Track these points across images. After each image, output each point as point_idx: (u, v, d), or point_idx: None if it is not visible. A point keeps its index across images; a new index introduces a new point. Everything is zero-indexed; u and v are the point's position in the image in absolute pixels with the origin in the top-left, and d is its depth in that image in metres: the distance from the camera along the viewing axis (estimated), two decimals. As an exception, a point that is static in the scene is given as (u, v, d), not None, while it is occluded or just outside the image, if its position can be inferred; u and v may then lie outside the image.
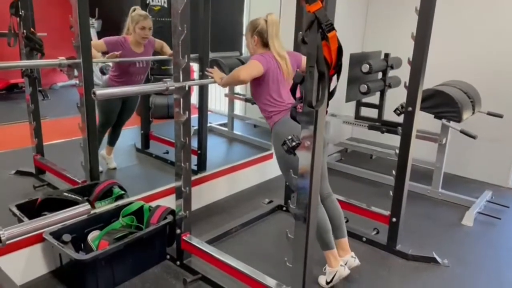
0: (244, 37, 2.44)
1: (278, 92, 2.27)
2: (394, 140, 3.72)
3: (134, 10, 3.28)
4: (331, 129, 4.08)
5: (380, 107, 3.59)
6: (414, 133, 2.42)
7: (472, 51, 3.84)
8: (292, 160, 1.78)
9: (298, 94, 1.68)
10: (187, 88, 2.08)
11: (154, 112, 4.23)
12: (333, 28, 1.48)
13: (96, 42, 3.20)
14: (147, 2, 3.82)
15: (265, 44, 2.29)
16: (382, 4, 4.41)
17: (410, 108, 2.38)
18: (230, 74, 2.25)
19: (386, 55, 3.52)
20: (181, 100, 2.09)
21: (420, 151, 3.23)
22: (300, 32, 1.56)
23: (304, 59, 2.40)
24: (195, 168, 3.30)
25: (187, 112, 2.11)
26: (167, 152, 4.04)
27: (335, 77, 1.55)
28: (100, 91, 1.70)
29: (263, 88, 2.27)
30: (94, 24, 6.70)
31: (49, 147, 3.61)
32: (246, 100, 4.68)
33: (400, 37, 4.18)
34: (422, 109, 2.92)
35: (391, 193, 2.56)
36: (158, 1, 5.29)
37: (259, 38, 2.29)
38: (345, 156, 4.41)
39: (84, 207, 1.78)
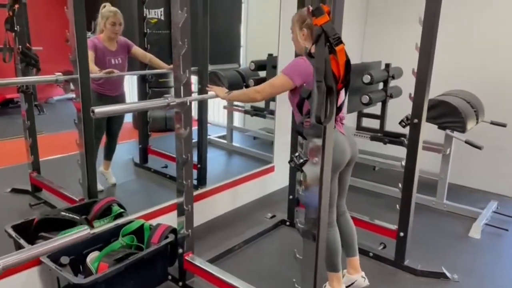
0: (290, 31, 2.10)
1: None
2: (397, 150, 3.69)
3: (104, 6, 3.27)
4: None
5: (382, 117, 3.55)
6: (420, 145, 2.37)
7: (473, 60, 3.82)
8: None
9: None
10: (188, 103, 2.02)
11: (152, 125, 4.17)
12: (341, 42, 1.43)
13: (91, 56, 3.15)
14: (145, 15, 3.76)
15: None
16: (381, 13, 4.40)
17: (416, 120, 2.33)
18: (246, 90, 2.10)
19: (387, 65, 3.48)
20: (182, 115, 2.04)
21: (423, 161, 3.17)
22: (306, 46, 1.52)
23: None
24: (195, 182, 3.23)
25: (188, 128, 2.05)
26: (166, 166, 3.97)
27: (342, 91, 1.51)
28: (99, 109, 1.64)
29: (302, 97, 1.95)
30: (91, 37, 6.67)
31: (46, 163, 3.54)
32: (246, 112, 4.63)
33: (399, 46, 4.20)
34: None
35: (397, 206, 2.50)
36: (155, 14, 5.27)
37: (310, 31, 1.94)
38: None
39: (84, 231, 1.70)
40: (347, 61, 1.46)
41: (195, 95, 3.07)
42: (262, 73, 4.33)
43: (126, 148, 4.46)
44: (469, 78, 3.76)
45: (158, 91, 5.35)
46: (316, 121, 1.47)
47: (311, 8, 1.45)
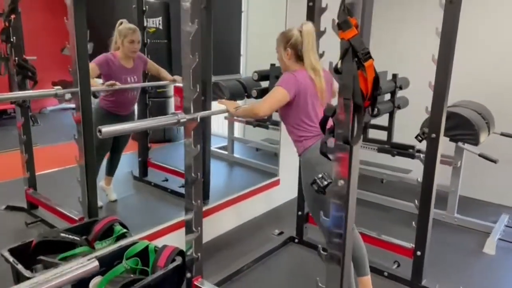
0: (276, 51, 2.19)
1: (310, 114, 2.06)
2: (405, 162, 3.60)
3: (121, 23, 3.14)
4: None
5: (389, 129, 3.46)
6: (438, 160, 2.28)
7: (482, 71, 3.75)
8: (324, 198, 1.61)
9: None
10: (199, 120, 1.91)
11: (151, 136, 4.05)
12: (370, 57, 1.34)
13: (92, 71, 3.03)
14: (145, 25, 3.66)
15: (300, 58, 2.07)
16: (385, 23, 4.32)
17: (433, 135, 2.24)
18: (249, 106, 2.07)
19: (394, 75, 3.41)
20: (193, 132, 1.92)
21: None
22: (330, 61, 1.42)
23: (335, 83, 2.25)
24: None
25: (198, 146, 1.94)
26: (166, 180, 3.86)
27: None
28: (106, 129, 1.52)
29: (293, 110, 2.06)
30: (105, 54, 6.52)
31: (42, 178, 3.41)
32: (247, 122, 4.52)
33: (405, 56, 4.15)
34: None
35: (414, 223, 2.40)
36: (153, 23, 5.17)
37: (293, 51, 2.05)
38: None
39: (91, 264, 1.58)
40: (376, 77, 1.37)
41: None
42: (265, 83, 4.26)
43: (125, 160, 4.31)
44: (478, 89, 3.69)
45: (158, 101, 5.26)
46: (343, 141, 1.37)
47: (336, 21, 1.36)
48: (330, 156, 1.47)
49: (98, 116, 3.18)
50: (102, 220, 2.53)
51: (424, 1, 3.98)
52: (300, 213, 2.92)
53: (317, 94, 2.07)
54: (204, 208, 2.96)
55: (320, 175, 1.50)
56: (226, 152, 4.78)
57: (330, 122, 1.49)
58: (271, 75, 3.96)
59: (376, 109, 3.21)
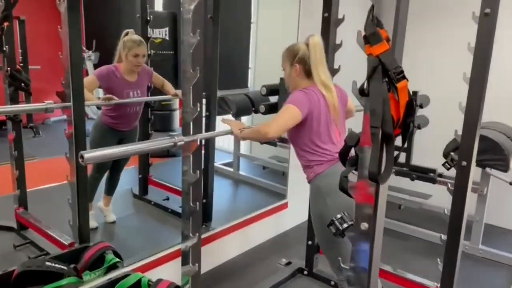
0: (282, 69, 2.01)
1: (322, 136, 1.85)
2: (425, 187, 3.34)
3: (127, 34, 2.92)
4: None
5: (408, 150, 3.21)
6: (469, 190, 2.02)
7: (507, 90, 3.49)
8: (339, 239, 1.37)
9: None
10: (199, 143, 1.69)
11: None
12: (404, 77, 1.11)
13: (87, 80, 2.82)
14: (149, 35, 3.47)
15: (309, 73, 1.87)
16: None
17: (464, 163, 1.98)
18: (256, 128, 1.85)
19: (414, 93, 3.16)
20: (191, 156, 1.70)
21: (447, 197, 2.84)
22: (354, 80, 1.20)
23: (350, 99, 2.03)
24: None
25: (198, 172, 1.71)
26: (167, 199, 3.63)
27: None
28: (89, 155, 1.30)
29: (304, 131, 1.85)
30: (91, 57, 6.42)
31: (36, 194, 3.21)
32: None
33: (426, 72, 3.90)
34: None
35: (439, 261, 2.14)
36: (159, 34, 5.01)
37: (302, 67, 1.87)
38: None
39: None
40: (410, 101, 1.14)
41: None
42: (273, 98, 4.04)
43: (124, 176, 4.07)
44: (504, 108, 3.42)
45: (162, 114, 5.06)
46: (370, 177, 1.13)
47: (363, 33, 1.13)
48: (351, 193, 1.24)
49: (99, 131, 2.99)
50: (93, 247, 2.30)
51: (451, 13, 3.73)
52: (310, 242, 2.67)
53: (330, 113, 1.86)
54: (206, 235, 2.73)
55: (339, 216, 1.26)
56: (231, 169, 4.54)
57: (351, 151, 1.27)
58: (280, 89, 3.73)
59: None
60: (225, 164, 4.68)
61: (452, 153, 2.67)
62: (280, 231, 3.32)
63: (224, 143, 5.36)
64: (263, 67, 4.88)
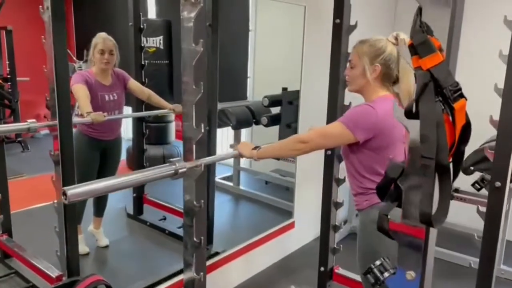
0: (351, 65, 1.66)
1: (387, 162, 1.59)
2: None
3: (95, 35, 2.74)
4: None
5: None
6: (503, 213, 1.82)
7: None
8: None
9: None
10: (203, 168, 1.47)
11: (150, 164, 3.62)
12: (462, 95, 0.90)
13: (83, 90, 2.57)
14: (142, 44, 3.26)
15: (391, 80, 1.58)
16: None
17: (498, 184, 1.78)
18: (283, 142, 1.58)
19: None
20: (195, 184, 1.48)
21: (464, 214, 2.63)
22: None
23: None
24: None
25: (202, 202, 1.49)
26: (164, 219, 3.40)
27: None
28: (73, 191, 1.08)
29: (364, 154, 1.58)
30: (82, 67, 6.19)
31: (23, 216, 2.98)
32: (231, 146, 4.05)
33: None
34: (480, 170, 2.36)
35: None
36: (154, 42, 4.79)
37: (384, 70, 1.56)
38: None
39: None
40: (467, 124, 0.93)
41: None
42: (274, 109, 3.84)
43: (117, 193, 3.86)
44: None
45: (157, 127, 4.83)
46: (422, 219, 0.91)
47: (407, 41, 0.92)
48: (393, 235, 1.02)
49: (78, 143, 2.66)
50: (83, 281, 2.06)
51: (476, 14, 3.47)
52: (322, 268, 2.44)
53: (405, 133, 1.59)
54: (208, 263, 2.49)
55: (378, 263, 1.04)
56: (231, 184, 4.32)
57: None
58: (283, 100, 3.56)
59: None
60: (224, 178, 4.45)
61: (471, 168, 2.48)
62: (286, 254, 3.09)
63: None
64: (263, 77, 4.67)
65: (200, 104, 1.43)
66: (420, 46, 0.89)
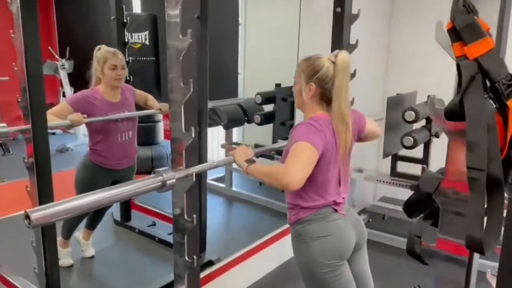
0: (294, 82, 1.61)
1: (323, 180, 1.48)
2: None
3: (99, 49, 2.46)
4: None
5: (425, 161, 2.86)
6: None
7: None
8: None
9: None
10: (194, 178, 1.28)
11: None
12: (517, 90, 0.72)
13: (58, 107, 2.37)
14: (126, 40, 3.04)
15: (324, 99, 1.50)
16: (406, 37, 3.73)
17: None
18: (269, 170, 1.43)
19: (429, 97, 2.81)
20: (185, 197, 1.29)
21: None
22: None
23: (368, 122, 1.64)
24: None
25: (194, 216, 1.30)
26: (154, 224, 3.20)
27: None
28: (37, 214, 0.88)
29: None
30: (65, 65, 5.94)
31: (3, 224, 2.74)
32: (222, 146, 3.88)
33: (429, 74, 3.54)
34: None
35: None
36: (139, 38, 4.56)
37: (318, 89, 1.48)
38: (377, 221, 3.54)
39: None
40: (520, 125, 0.75)
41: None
42: (267, 107, 3.67)
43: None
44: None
45: (145, 127, 4.61)
46: (469, 246, 0.74)
47: (445, 25, 0.75)
48: (426, 260, 0.85)
49: (87, 171, 2.47)
50: (64, 302, 1.88)
51: None
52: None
53: (339, 152, 1.48)
54: (203, 274, 2.30)
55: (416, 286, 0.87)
56: (223, 185, 4.13)
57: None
58: (277, 97, 3.38)
59: (412, 139, 2.61)
60: (215, 180, 4.26)
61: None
62: (285, 259, 2.91)
63: (213, 155, 4.90)
64: (254, 73, 4.48)
65: (190, 104, 1.24)
66: (465, 29, 0.72)
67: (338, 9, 1.96)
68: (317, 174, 1.43)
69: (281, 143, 1.74)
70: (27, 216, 0.88)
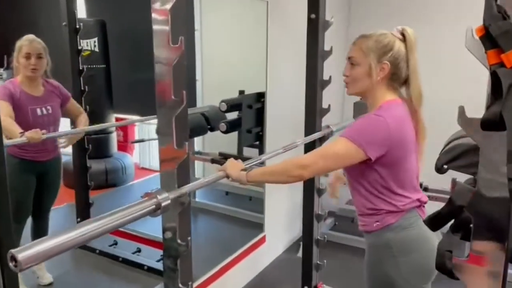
0: (352, 62, 1.41)
1: (403, 178, 1.36)
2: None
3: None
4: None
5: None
6: None
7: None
8: None
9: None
10: (189, 198, 1.18)
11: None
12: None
13: (6, 109, 2.16)
14: (80, 47, 2.84)
15: (399, 82, 1.37)
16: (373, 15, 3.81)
17: None
18: (278, 166, 1.34)
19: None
20: (178, 217, 1.18)
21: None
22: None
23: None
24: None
25: (188, 239, 1.20)
26: (116, 244, 2.99)
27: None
28: (24, 255, 0.74)
29: (377, 172, 1.35)
30: (3, 75, 5.47)
31: None
32: (213, 161, 3.76)
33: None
34: (455, 168, 2.29)
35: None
36: (87, 45, 4.30)
37: (392, 69, 1.33)
38: (345, 224, 3.46)
39: None
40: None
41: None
42: (230, 115, 3.58)
43: (57, 218, 3.34)
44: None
45: (97, 138, 4.34)
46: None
47: (475, 32, 0.72)
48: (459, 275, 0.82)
49: (8, 167, 2.26)
50: None
51: None
52: (306, 287, 2.23)
53: (419, 142, 1.37)
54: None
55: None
56: (185, 197, 3.97)
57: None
58: (243, 104, 3.30)
59: None
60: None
61: (445, 166, 2.41)
62: (259, 271, 2.85)
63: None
64: (213, 80, 4.37)
65: (182, 117, 1.14)
66: (502, 36, 0.69)
67: (313, 16, 1.94)
68: (390, 165, 1.31)
69: (271, 153, 1.67)
70: (13, 258, 0.74)
